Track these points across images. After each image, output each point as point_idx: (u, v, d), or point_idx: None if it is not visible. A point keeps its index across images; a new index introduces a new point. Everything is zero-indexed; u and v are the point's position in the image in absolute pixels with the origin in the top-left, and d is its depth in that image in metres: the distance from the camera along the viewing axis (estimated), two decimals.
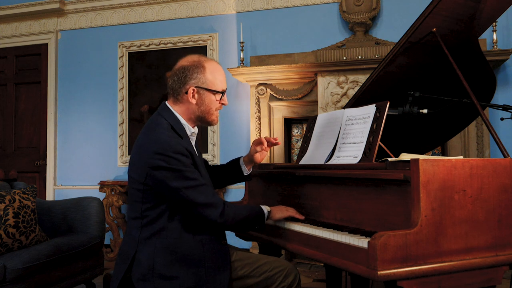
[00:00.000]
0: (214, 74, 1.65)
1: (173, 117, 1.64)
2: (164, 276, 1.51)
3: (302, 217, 1.76)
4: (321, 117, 2.08)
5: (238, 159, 1.93)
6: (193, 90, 1.63)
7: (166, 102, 1.70)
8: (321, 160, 1.89)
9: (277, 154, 4.16)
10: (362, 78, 3.75)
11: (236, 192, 4.37)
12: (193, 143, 1.70)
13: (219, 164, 4.41)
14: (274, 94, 4.17)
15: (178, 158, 1.51)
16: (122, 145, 4.82)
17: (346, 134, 1.83)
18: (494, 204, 1.40)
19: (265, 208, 1.71)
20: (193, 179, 1.53)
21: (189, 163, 1.55)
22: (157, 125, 1.60)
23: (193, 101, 1.64)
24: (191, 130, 1.68)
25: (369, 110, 1.75)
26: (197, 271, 1.53)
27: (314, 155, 1.98)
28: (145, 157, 1.54)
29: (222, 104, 1.70)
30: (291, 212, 1.77)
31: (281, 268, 1.66)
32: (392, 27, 4.06)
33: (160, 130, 1.57)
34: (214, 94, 1.66)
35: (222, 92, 1.68)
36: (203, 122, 1.70)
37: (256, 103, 4.20)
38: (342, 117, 1.89)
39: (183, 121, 1.66)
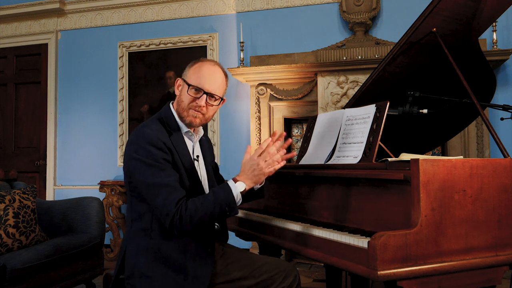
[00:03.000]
0: (199, 69, 1.60)
1: (168, 113, 1.65)
2: (143, 274, 1.51)
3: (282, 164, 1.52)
4: (321, 117, 2.08)
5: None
6: (178, 80, 1.66)
7: (171, 101, 1.71)
8: (321, 160, 1.89)
9: None
10: (362, 78, 3.75)
11: None
12: (193, 142, 1.68)
13: (219, 163, 4.42)
14: (274, 94, 4.17)
15: (149, 149, 1.48)
16: (122, 145, 4.82)
17: (346, 134, 1.83)
18: (494, 204, 1.40)
19: (235, 190, 1.47)
20: (158, 177, 1.46)
21: (161, 157, 1.48)
22: (150, 119, 1.63)
23: (177, 92, 1.66)
24: (184, 130, 1.64)
25: (369, 110, 1.75)
26: (176, 276, 1.51)
27: (314, 155, 1.98)
28: (126, 148, 1.56)
29: (197, 104, 1.58)
30: (269, 169, 1.50)
31: (280, 269, 1.65)
32: (392, 27, 4.06)
33: (147, 123, 1.59)
34: (188, 87, 1.58)
35: (196, 88, 1.58)
36: (182, 120, 1.62)
37: (256, 103, 4.20)
38: (342, 117, 1.89)
39: (177, 118, 1.65)
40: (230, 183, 1.51)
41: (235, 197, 1.48)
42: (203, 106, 1.59)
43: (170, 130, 1.59)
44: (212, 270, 1.55)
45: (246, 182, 1.51)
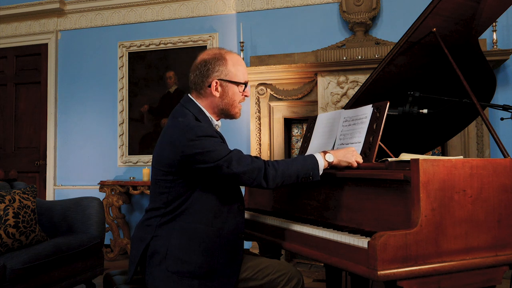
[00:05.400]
0: (236, 66, 1.66)
1: (197, 109, 1.65)
2: (177, 257, 1.53)
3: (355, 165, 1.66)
4: (321, 117, 2.08)
5: None
6: (216, 83, 1.64)
7: (189, 95, 1.70)
8: None
9: (277, 154, 4.16)
10: (362, 78, 3.75)
11: None
12: None
13: None
14: (274, 94, 4.16)
15: (210, 139, 1.53)
16: (122, 145, 4.82)
17: (344, 135, 1.83)
18: (494, 204, 1.40)
19: (321, 159, 1.61)
20: (228, 153, 1.53)
21: (220, 142, 1.56)
22: (184, 116, 1.61)
23: (217, 94, 1.65)
24: (215, 123, 1.70)
25: (366, 110, 1.75)
26: (210, 260, 1.54)
27: None
28: (177, 146, 1.53)
29: (245, 96, 1.71)
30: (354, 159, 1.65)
31: (284, 271, 1.65)
32: (392, 27, 4.06)
33: (187, 120, 1.59)
34: (237, 86, 1.66)
35: (245, 84, 1.69)
36: (226, 116, 1.71)
37: (256, 103, 4.20)
38: (340, 118, 1.89)
39: (207, 113, 1.67)
40: (316, 154, 1.63)
41: (319, 164, 1.61)
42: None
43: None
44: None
45: (335, 155, 1.64)
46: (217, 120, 1.71)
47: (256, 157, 1.59)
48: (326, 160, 1.62)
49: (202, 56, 1.68)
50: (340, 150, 1.67)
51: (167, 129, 1.63)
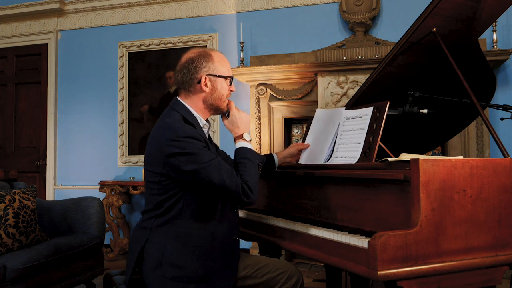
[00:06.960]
0: (221, 62, 1.70)
1: (185, 110, 1.66)
2: (172, 263, 1.52)
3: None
4: (320, 113, 2.07)
5: (271, 155, 2.01)
6: (205, 78, 1.66)
7: (178, 97, 1.72)
8: (319, 158, 1.89)
9: None
10: (362, 78, 3.75)
11: None
12: (206, 135, 1.71)
13: None
14: (274, 94, 4.17)
15: (191, 141, 1.52)
16: (122, 145, 4.82)
17: (344, 135, 1.83)
18: (494, 204, 1.40)
19: (247, 144, 1.69)
20: (209, 160, 1.51)
21: (203, 146, 1.55)
22: (170, 117, 1.62)
23: (206, 89, 1.67)
24: (203, 122, 1.70)
25: (366, 111, 1.75)
26: (205, 264, 1.54)
27: (313, 152, 1.98)
28: (160, 147, 1.54)
29: (231, 91, 1.74)
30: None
31: (283, 269, 1.66)
32: (392, 27, 4.06)
33: (172, 120, 1.59)
34: (225, 80, 1.70)
35: (231, 78, 1.73)
36: (216, 110, 1.73)
37: (256, 103, 4.20)
38: (340, 118, 1.89)
39: (195, 113, 1.68)
40: (242, 143, 1.68)
41: (252, 148, 1.68)
42: None
43: (193, 125, 1.62)
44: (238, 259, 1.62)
45: (245, 131, 1.72)
46: (205, 119, 1.71)
47: (235, 172, 1.57)
48: (247, 140, 1.69)
49: (187, 55, 1.70)
50: (239, 125, 1.71)
51: (153, 130, 1.64)
